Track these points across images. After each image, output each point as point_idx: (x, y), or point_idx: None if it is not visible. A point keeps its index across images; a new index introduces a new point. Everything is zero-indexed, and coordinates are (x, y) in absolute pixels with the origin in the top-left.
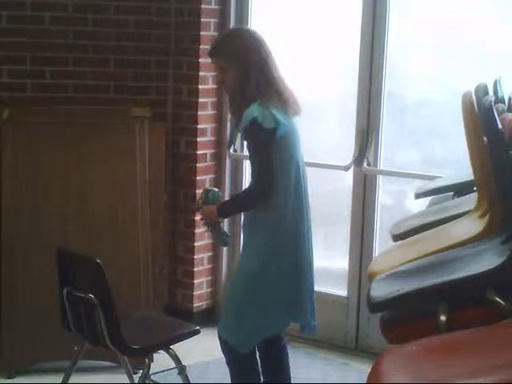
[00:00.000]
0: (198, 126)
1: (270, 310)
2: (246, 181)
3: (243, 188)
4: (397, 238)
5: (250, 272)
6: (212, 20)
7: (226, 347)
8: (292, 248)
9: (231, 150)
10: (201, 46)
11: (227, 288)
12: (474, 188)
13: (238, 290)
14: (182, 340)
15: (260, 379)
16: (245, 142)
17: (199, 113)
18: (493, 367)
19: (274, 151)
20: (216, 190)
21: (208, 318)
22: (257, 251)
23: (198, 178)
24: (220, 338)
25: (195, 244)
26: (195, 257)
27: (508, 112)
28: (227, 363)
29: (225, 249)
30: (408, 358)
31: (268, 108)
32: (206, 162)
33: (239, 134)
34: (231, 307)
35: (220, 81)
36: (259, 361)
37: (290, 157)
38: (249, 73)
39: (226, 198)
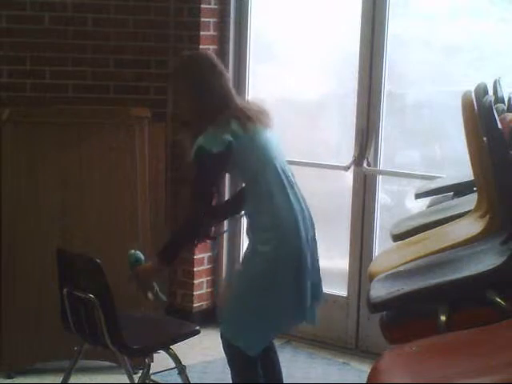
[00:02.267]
0: None
1: (274, 312)
2: None
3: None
4: (397, 238)
5: (253, 275)
6: (212, 20)
7: (232, 350)
8: (292, 250)
9: None
10: (200, 46)
11: (230, 291)
12: (474, 188)
13: (244, 293)
14: (181, 340)
15: (262, 380)
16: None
17: None
18: (493, 367)
19: (238, 163)
20: (133, 251)
21: (208, 318)
22: (258, 254)
23: None
24: (225, 340)
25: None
26: (195, 257)
27: (508, 112)
28: (230, 365)
29: (224, 249)
30: (408, 357)
31: (223, 128)
32: None
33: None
34: (238, 310)
35: (176, 105)
36: None
37: (264, 164)
38: (204, 98)
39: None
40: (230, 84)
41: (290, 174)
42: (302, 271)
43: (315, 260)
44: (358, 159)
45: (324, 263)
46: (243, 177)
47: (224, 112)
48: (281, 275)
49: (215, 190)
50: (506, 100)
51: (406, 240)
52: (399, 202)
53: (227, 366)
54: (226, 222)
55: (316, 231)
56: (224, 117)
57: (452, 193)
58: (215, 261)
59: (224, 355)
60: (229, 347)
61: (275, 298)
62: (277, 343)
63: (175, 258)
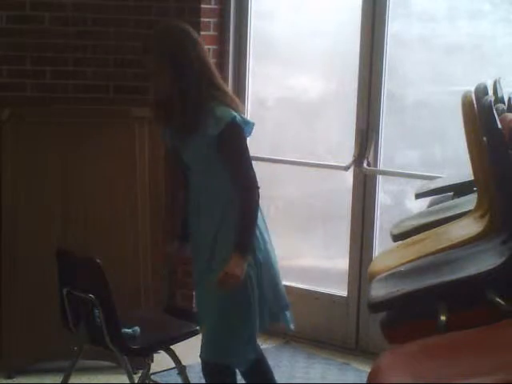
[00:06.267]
0: None
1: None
2: None
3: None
4: (397, 238)
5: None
6: (212, 20)
7: (225, 371)
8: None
9: None
10: None
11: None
12: (474, 188)
13: (228, 312)
14: (181, 340)
15: None
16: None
17: None
18: (493, 367)
19: None
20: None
21: None
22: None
23: None
24: (215, 366)
25: None
26: None
27: (508, 112)
28: None
29: None
30: (408, 357)
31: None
32: None
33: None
34: (222, 327)
35: (154, 84)
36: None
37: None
38: (188, 76)
39: None
40: (209, 57)
41: None
42: (277, 275)
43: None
44: (358, 159)
45: (324, 263)
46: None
47: (218, 94)
48: (262, 283)
49: None
50: (506, 100)
51: (406, 240)
52: (399, 201)
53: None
54: None
55: (316, 231)
56: (222, 98)
57: (452, 193)
58: None
59: None
60: (222, 370)
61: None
62: (276, 343)
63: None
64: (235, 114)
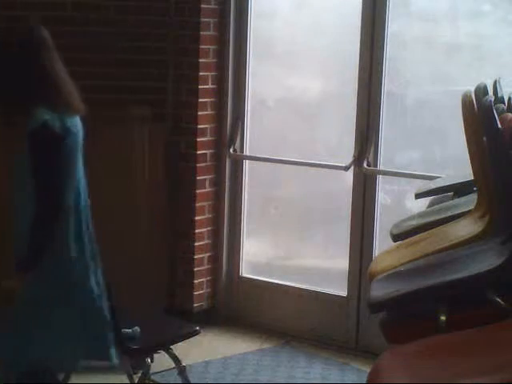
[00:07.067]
0: (198, 126)
1: None
2: (246, 181)
3: (243, 188)
4: (397, 238)
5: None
6: (212, 20)
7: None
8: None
9: (231, 150)
10: (201, 46)
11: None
12: (474, 188)
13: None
14: (182, 340)
15: None
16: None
17: (199, 113)
18: (493, 367)
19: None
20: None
21: (208, 318)
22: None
23: (198, 177)
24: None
25: (195, 244)
26: (195, 257)
27: (508, 112)
28: None
29: (224, 248)
30: (408, 357)
31: (54, 110)
32: (206, 162)
33: None
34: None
35: None
36: None
37: (74, 169)
38: (21, 73)
39: (226, 201)
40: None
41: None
42: None
43: None
44: (358, 159)
45: (324, 263)
46: None
47: (45, 89)
48: None
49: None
50: (506, 100)
51: (406, 240)
52: (399, 202)
53: (227, 366)
54: None
55: (316, 232)
56: (47, 95)
57: (452, 193)
58: (215, 261)
59: (223, 355)
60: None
61: None
62: (276, 343)
63: (34, 267)
64: (47, 118)
